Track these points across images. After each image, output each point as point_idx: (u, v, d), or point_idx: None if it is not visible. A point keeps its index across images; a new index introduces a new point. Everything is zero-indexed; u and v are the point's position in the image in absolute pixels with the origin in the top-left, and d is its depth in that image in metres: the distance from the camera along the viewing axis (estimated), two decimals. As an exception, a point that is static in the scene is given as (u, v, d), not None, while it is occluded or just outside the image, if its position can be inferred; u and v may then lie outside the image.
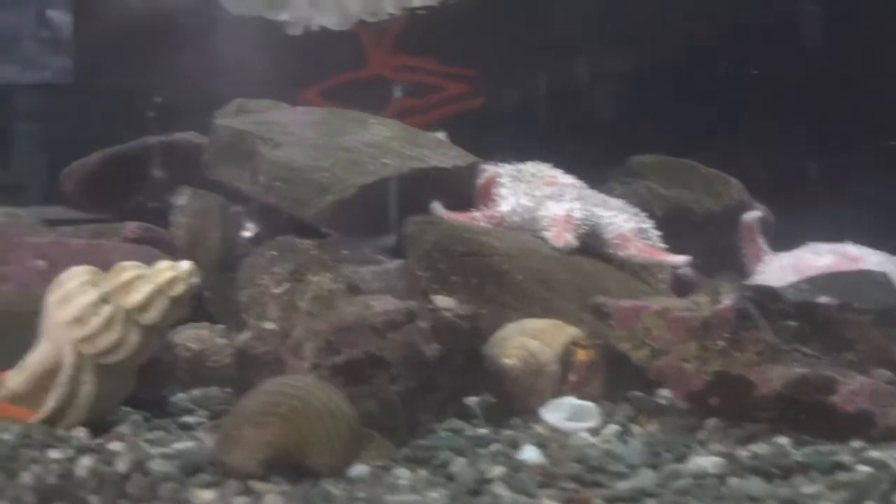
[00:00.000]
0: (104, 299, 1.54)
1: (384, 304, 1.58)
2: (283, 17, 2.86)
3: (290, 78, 3.20)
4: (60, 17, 3.34)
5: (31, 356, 1.61)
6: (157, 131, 2.47)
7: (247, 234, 2.30)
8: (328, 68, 3.21)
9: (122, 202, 2.38)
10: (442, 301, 1.68)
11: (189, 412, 1.77)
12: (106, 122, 3.09)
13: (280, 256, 2.06)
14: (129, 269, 1.56)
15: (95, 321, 1.53)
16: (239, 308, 2.01)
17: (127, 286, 1.55)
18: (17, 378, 1.61)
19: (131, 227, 2.14)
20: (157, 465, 1.35)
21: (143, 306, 1.54)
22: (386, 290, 1.97)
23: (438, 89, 3.26)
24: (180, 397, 1.84)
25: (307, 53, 3.18)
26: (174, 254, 2.17)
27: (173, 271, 1.56)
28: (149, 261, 2.07)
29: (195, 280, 1.57)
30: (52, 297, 1.58)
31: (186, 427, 1.67)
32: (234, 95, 2.74)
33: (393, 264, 2.08)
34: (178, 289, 1.55)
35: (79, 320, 1.53)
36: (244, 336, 1.76)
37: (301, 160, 2.08)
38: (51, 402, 1.54)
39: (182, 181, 2.34)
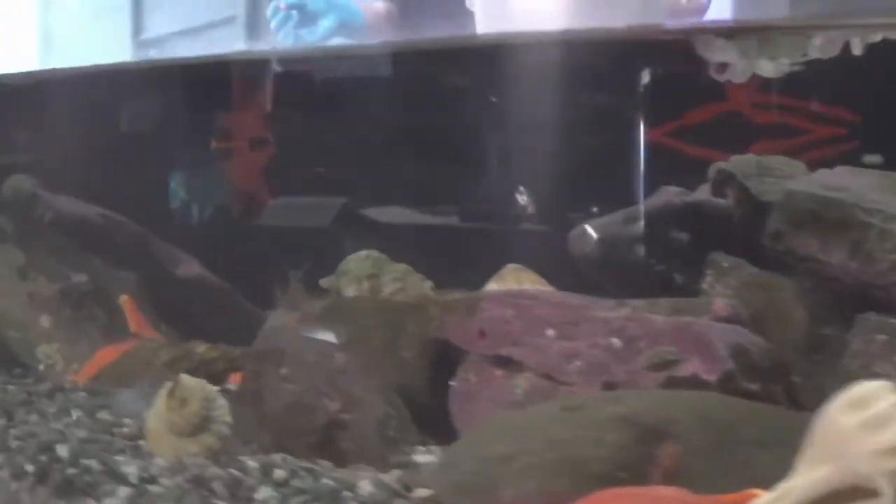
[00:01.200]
0: (931, 426, 1.32)
1: None
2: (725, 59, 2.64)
3: (633, 113, 3.00)
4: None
5: (797, 481, 1.39)
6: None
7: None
8: (678, 104, 3.00)
9: (643, 269, 2.17)
10: None
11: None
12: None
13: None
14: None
15: (923, 452, 1.31)
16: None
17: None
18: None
19: (720, 304, 1.92)
20: None
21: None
22: None
23: (807, 132, 3.01)
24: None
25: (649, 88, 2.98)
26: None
27: None
28: (742, 343, 1.89)
29: None
30: (853, 417, 1.36)
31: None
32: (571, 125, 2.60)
33: None
34: None
35: (902, 450, 1.31)
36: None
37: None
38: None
39: (708, 247, 2.13)
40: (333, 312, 2.22)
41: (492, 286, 2.11)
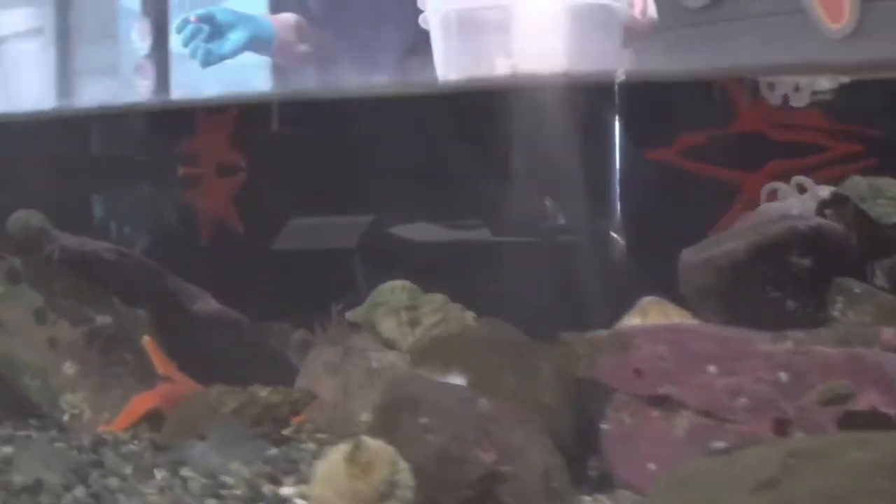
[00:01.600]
0: None
1: None
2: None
3: (640, 134, 2.97)
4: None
5: None
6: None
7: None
8: (686, 124, 2.98)
9: (762, 301, 2.08)
10: None
11: None
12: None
13: None
14: None
15: None
16: None
17: None
18: None
19: (889, 333, 1.85)
20: None
21: None
22: None
23: (823, 149, 3.02)
24: None
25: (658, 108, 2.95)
26: None
27: None
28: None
29: None
30: None
31: None
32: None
33: None
34: None
35: None
36: None
37: None
38: None
39: (832, 273, 2.07)
40: (440, 351, 2.07)
41: (633, 321, 1.99)
